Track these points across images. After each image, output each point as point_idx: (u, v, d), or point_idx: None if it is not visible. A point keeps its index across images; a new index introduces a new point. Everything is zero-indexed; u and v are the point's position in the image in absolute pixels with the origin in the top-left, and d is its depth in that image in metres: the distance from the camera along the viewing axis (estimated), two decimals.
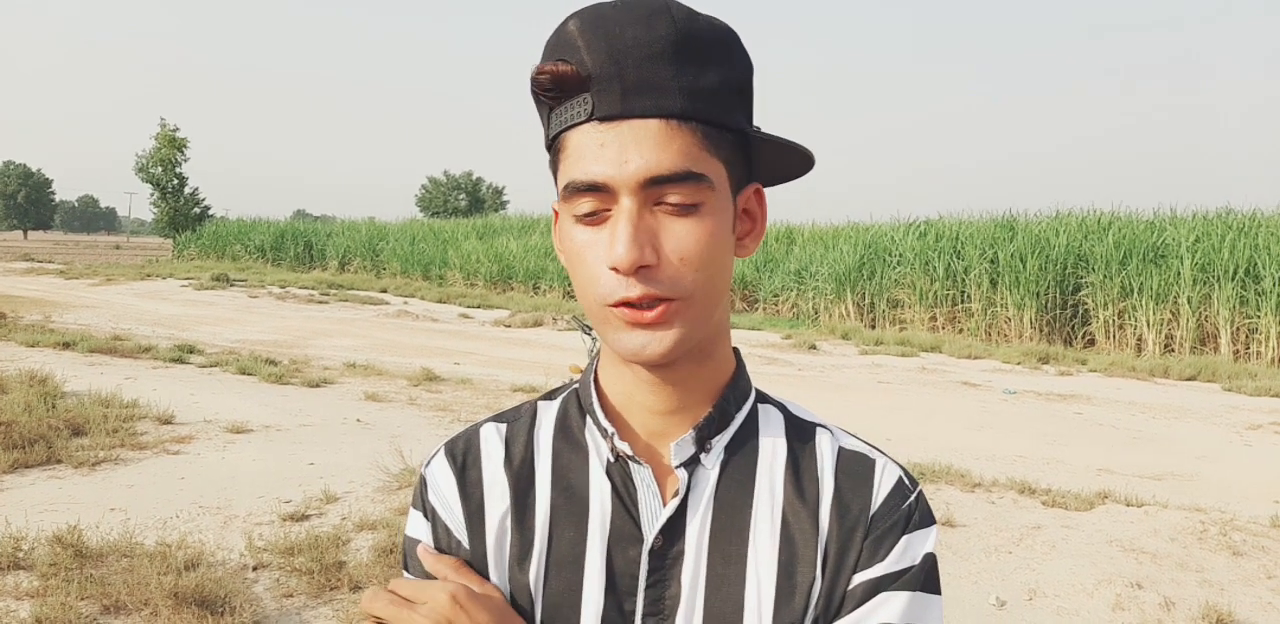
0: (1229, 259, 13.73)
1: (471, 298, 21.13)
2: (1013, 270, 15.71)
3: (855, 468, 0.77)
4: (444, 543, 0.77)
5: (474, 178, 63.85)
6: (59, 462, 5.20)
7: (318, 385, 8.29)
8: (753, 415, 0.79)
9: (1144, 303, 14.31)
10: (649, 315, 0.67)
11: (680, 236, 0.67)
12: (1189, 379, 11.62)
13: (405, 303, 19.94)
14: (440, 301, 20.84)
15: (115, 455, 5.36)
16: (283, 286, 22.43)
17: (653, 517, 0.74)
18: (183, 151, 35.87)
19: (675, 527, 0.73)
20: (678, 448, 0.74)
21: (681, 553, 0.73)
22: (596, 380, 0.79)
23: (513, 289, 23.77)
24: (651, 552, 0.73)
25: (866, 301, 17.90)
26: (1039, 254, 15.60)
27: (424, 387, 8.48)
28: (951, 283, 16.68)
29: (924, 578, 0.74)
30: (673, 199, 0.67)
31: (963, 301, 16.60)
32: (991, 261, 16.20)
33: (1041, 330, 15.44)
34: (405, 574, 0.78)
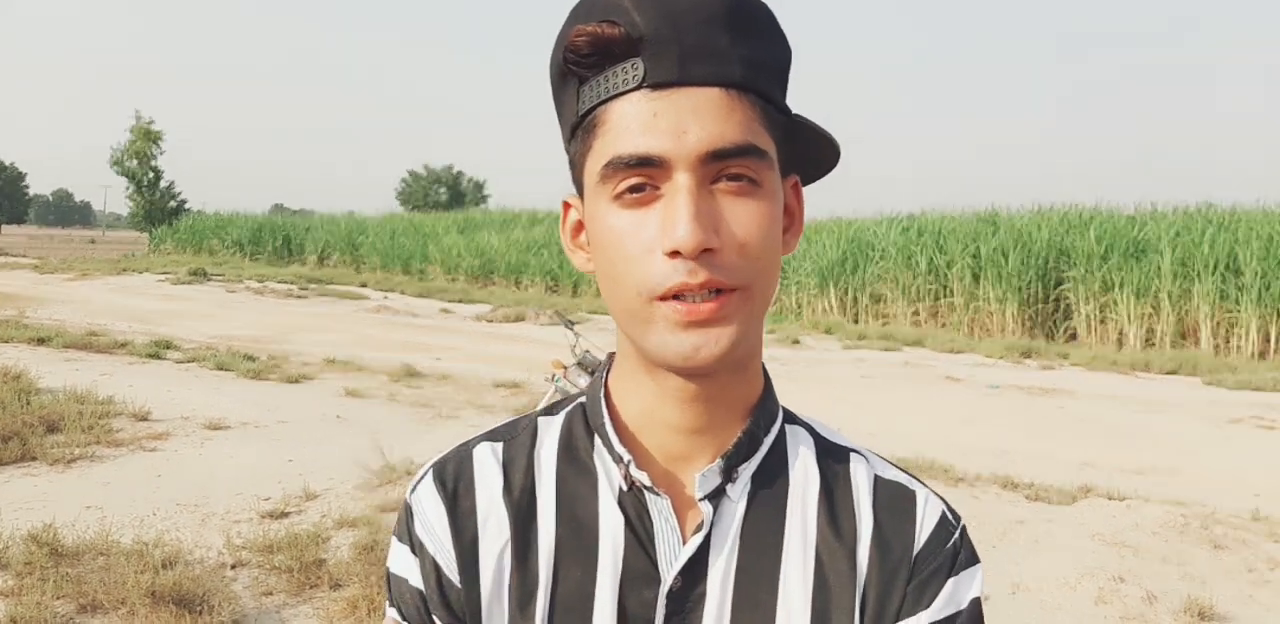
0: (1209, 253, 13.87)
1: (453, 292, 21.04)
2: (995, 265, 15.80)
3: (896, 502, 0.70)
4: (433, 581, 0.68)
5: (454, 171, 63.59)
6: (34, 459, 5.12)
7: (296, 381, 8.21)
8: (781, 439, 0.71)
9: (1125, 297, 14.42)
10: (705, 308, 0.59)
11: (742, 219, 0.60)
12: (1170, 373, 11.73)
13: (385, 297, 19.82)
14: (421, 296, 20.74)
15: (91, 453, 5.29)
16: (261, 281, 22.24)
17: (671, 555, 0.66)
18: (158, 144, 35.57)
19: (697, 567, 0.65)
20: (703, 479, 0.66)
21: (703, 596, 0.65)
22: (608, 394, 0.71)
23: (494, 284, 23.68)
24: (670, 594, 0.65)
25: (849, 296, 17.95)
26: (1021, 248, 15.70)
27: (404, 382, 8.42)
28: (934, 277, 16.76)
29: None
30: (735, 172, 0.60)
31: (945, 296, 16.68)
32: (974, 256, 16.29)
33: (1024, 325, 15.54)
34: (390, 610, 0.71)
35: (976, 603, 0.68)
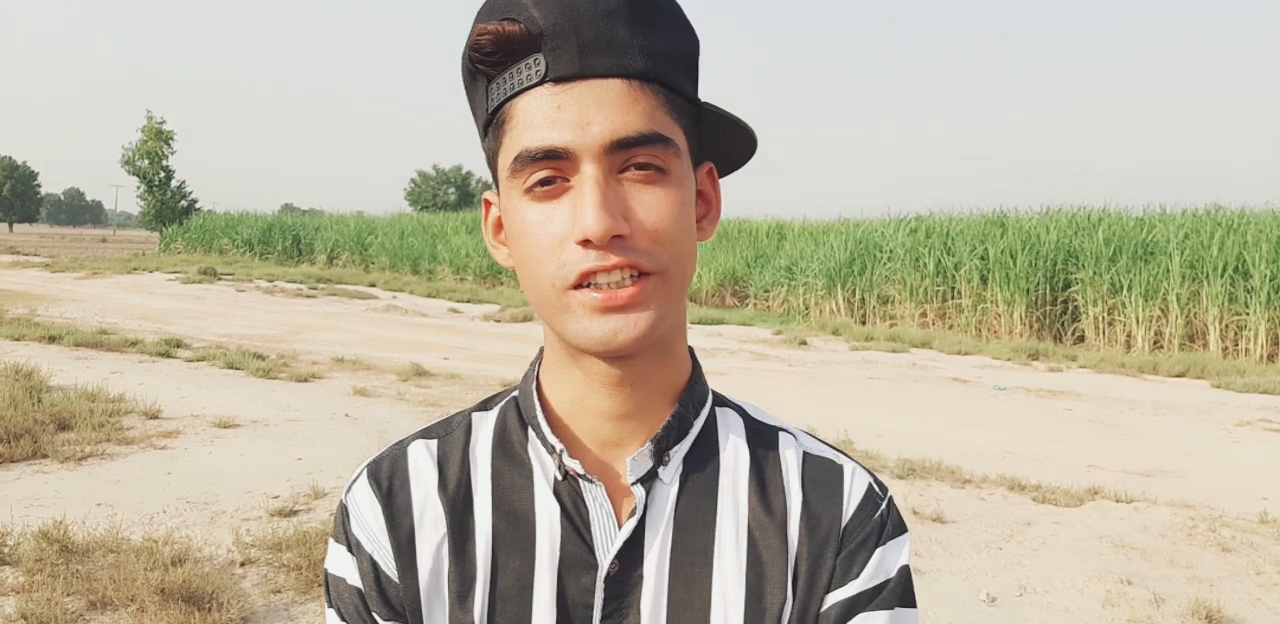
0: (1218, 256, 13.80)
1: (461, 292, 21.06)
2: (1003, 267, 15.76)
3: (823, 476, 0.71)
4: (371, 579, 0.69)
5: (463, 172, 63.73)
6: (45, 456, 5.15)
7: (306, 380, 8.24)
8: (711, 421, 0.72)
9: (1133, 299, 14.37)
10: (623, 294, 0.60)
11: (651, 205, 0.61)
12: (1178, 376, 11.68)
13: (394, 297, 19.86)
14: (429, 296, 20.77)
15: (101, 450, 5.32)
16: (270, 281, 22.30)
17: (607, 540, 0.67)
18: (169, 144, 35.65)
19: (633, 550, 0.67)
20: (634, 463, 0.67)
21: (640, 578, 0.66)
22: (539, 387, 0.72)
23: (502, 284, 23.71)
24: (607, 579, 0.66)
25: (857, 297, 17.93)
26: (1029, 250, 15.66)
27: (413, 382, 8.44)
28: (942, 279, 16.73)
29: (900, 592, 0.69)
30: (641, 160, 0.61)
31: (953, 298, 16.65)
32: (982, 258, 16.25)
33: (1031, 327, 15.50)
34: (329, 611, 0.71)
35: (905, 571, 0.70)
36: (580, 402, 0.69)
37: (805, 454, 0.72)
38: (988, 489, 5.40)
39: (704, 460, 0.70)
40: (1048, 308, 15.60)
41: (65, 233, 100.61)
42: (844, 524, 0.69)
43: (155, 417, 6.20)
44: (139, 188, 35.98)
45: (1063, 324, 15.56)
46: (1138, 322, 14.35)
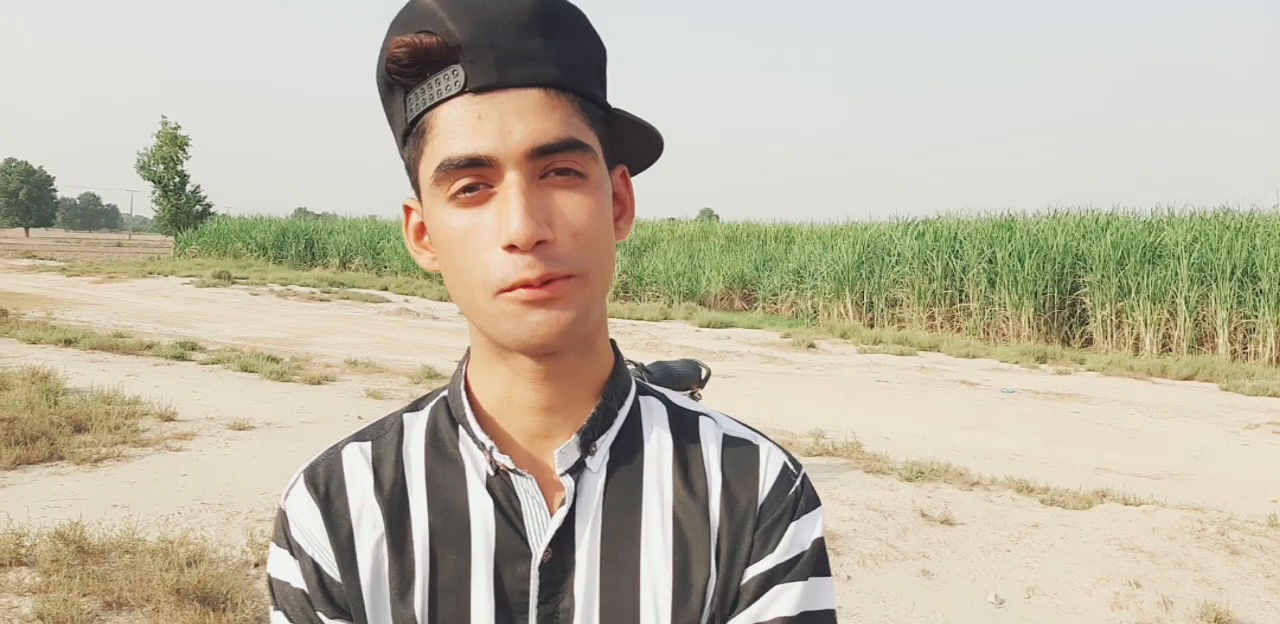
0: (1226, 259, 13.75)
1: None
2: (1011, 270, 15.73)
3: (740, 457, 0.74)
4: (314, 581, 0.70)
5: None
6: (61, 458, 5.21)
7: (319, 383, 8.30)
8: (635, 410, 0.75)
9: (1141, 302, 14.32)
10: (543, 292, 0.62)
11: (572, 209, 0.63)
12: (1187, 378, 11.65)
13: (406, 301, 19.95)
14: (441, 299, 20.82)
15: (117, 452, 5.38)
16: (284, 284, 22.42)
17: (540, 530, 0.69)
18: (184, 149, 35.86)
19: (564, 538, 0.69)
20: (562, 455, 0.70)
21: (573, 564, 0.69)
22: (467, 385, 0.74)
23: None
24: (542, 566, 0.69)
25: (865, 301, 17.92)
26: (1037, 254, 15.62)
27: (425, 384, 8.50)
28: (950, 282, 16.71)
29: (815, 563, 0.72)
30: (561, 166, 0.63)
31: (961, 301, 16.62)
32: (990, 261, 16.22)
33: (1039, 330, 15.46)
34: (275, 615, 0.72)
35: (819, 543, 0.73)
36: (508, 398, 0.71)
37: (724, 436, 0.76)
38: (996, 492, 5.41)
39: (629, 449, 0.73)
40: (1056, 311, 15.55)
41: (81, 237, 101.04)
42: (760, 501, 0.72)
43: (170, 419, 6.27)
44: (154, 192, 36.19)
45: (1071, 327, 15.52)
46: (1146, 324, 14.30)
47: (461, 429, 0.73)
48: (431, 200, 0.65)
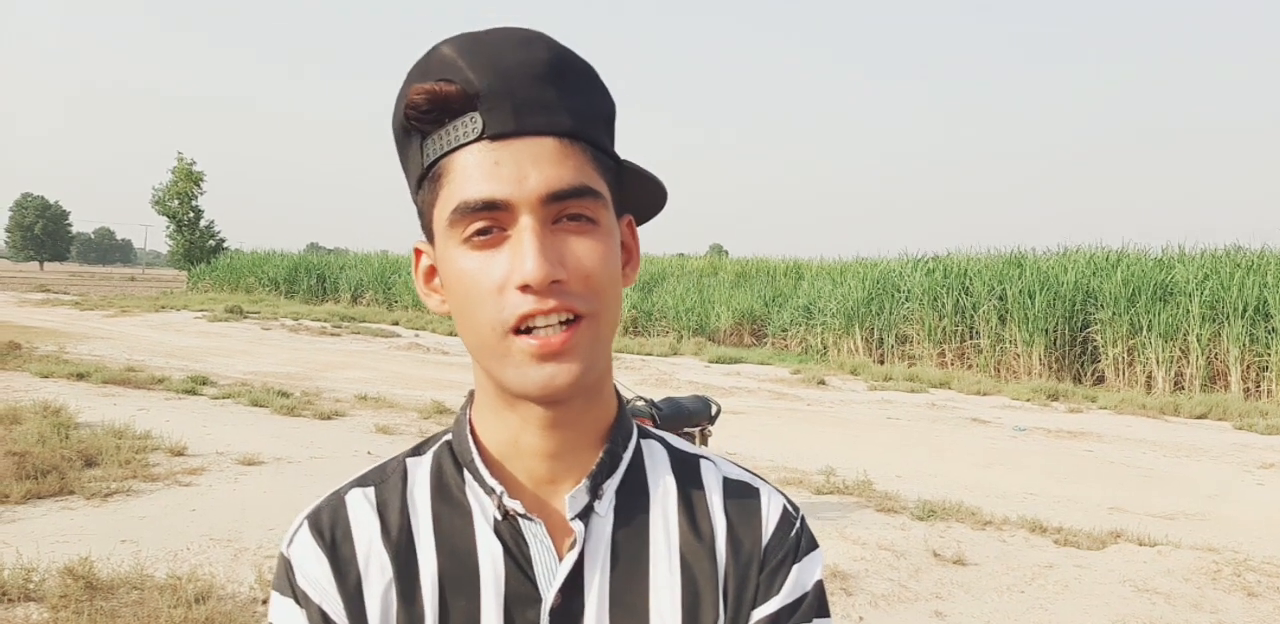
0: (1238, 297, 13.71)
1: None
2: (1021, 307, 15.70)
3: (743, 500, 0.76)
4: None
5: None
6: (71, 493, 5.22)
7: (329, 417, 8.32)
8: (638, 454, 0.76)
9: (1153, 340, 14.26)
10: (556, 341, 0.64)
11: (583, 254, 0.65)
12: (1199, 417, 11.56)
13: (417, 335, 20.01)
14: (451, 334, 20.86)
15: (127, 487, 5.39)
16: (295, 319, 22.54)
17: (549, 575, 0.70)
18: (199, 185, 36.31)
19: (574, 582, 0.70)
20: (573, 500, 0.71)
21: (582, 608, 0.70)
22: (472, 428, 0.74)
23: None
24: (552, 611, 0.69)
25: (875, 337, 17.89)
26: (1047, 291, 15.60)
27: (435, 419, 8.50)
28: (960, 319, 16.68)
29: (817, 605, 0.74)
30: (573, 212, 0.65)
31: (971, 337, 16.58)
32: (1000, 298, 16.21)
33: (1050, 367, 15.39)
34: None
35: (819, 585, 0.75)
36: (515, 443, 0.72)
37: (725, 479, 0.78)
38: (1009, 531, 5.37)
39: (635, 492, 0.74)
40: (1067, 348, 15.49)
41: (95, 271, 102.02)
42: (764, 544, 0.74)
43: (180, 454, 6.28)
44: (168, 227, 36.58)
45: (1082, 364, 15.44)
46: (1158, 362, 14.23)
47: (468, 474, 0.73)
48: (444, 243, 0.67)
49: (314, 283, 32.40)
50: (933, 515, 5.54)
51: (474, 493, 0.72)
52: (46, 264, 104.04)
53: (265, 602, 3.80)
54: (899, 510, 5.67)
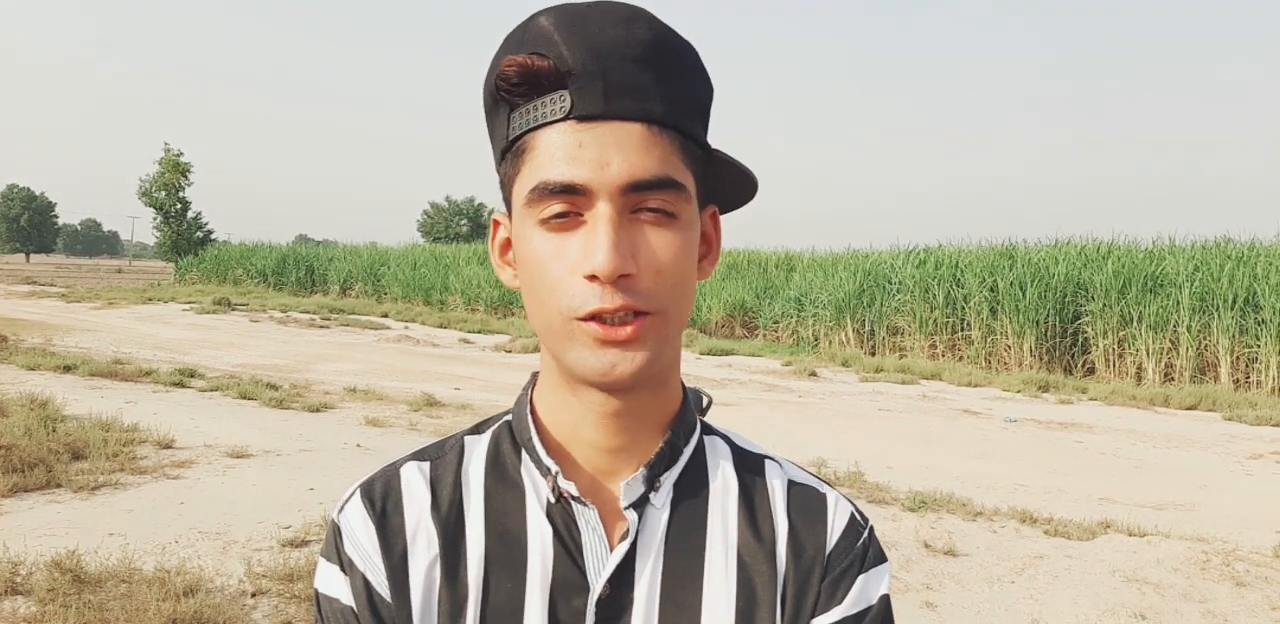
0: (1228, 288, 13.79)
1: (472, 323, 21.14)
2: (1012, 298, 15.76)
3: (808, 504, 0.74)
4: (364, 599, 0.69)
5: (475, 203, 64.22)
6: (58, 486, 5.18)
7: (318, 410, 8.28)
8: (700, 449, 0.74)
9: (1143, 331, 14.34)
10: (623, 332, 0.62)
11: (659, 247, 0.63)
12: (1189, 408, 11.62)
13: (406, 328, 19.96)
14: (441, 326, 20.86)
15: (115, 480, 5.35)
16: (284, 311, 22.44)
17: (599, 563, 0.68)
18: (186, 176, 36.07)
19: (624, 574, 0.68)
20: (628, 488, 0.69)
21: (631, 602, 0.67)
22: (533, 410, 0.73)
23: (513, 314, 23.78)
24: (599, 602, 0.67)
25: (866, 329, 17.93)
26: (1038, 282, 15.66)
27: (424, 412, 8.47)
28: (951, 310, 16.73)
29: (881, 621, 0.71)
30: (653, 205, 0.63)
31: (962, 329, 16.63)
32: (991, 290, 16.26)
33: (1041, 358, 15.45)
34: None
35: (885, 599, 0.72)
36: (574, 428, 0.70)
37: (790, 482, 0.75)
38: (999, 522, 5.38)
39: (694, 487, 0.72)
40: (1057, 340, 15.56)
41: (81, 263, 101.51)
42: (829, 551, 0.71)
43: (168, 446, 6.24)
44: (155, 219, 36.33)
45: (1073, 356, 15.51)
46: (1148, 354, 14.30)
47: (525, 453, 0.72)
48: (522, 221, 0.66)
49: (303, 274, 32.30)
50: (924, 506, 5.55)
51: (529, 473, 0.71)
52: (32, 256, 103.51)
53: (254, 595, 3.78)
54: (890, 501, 5.68)
